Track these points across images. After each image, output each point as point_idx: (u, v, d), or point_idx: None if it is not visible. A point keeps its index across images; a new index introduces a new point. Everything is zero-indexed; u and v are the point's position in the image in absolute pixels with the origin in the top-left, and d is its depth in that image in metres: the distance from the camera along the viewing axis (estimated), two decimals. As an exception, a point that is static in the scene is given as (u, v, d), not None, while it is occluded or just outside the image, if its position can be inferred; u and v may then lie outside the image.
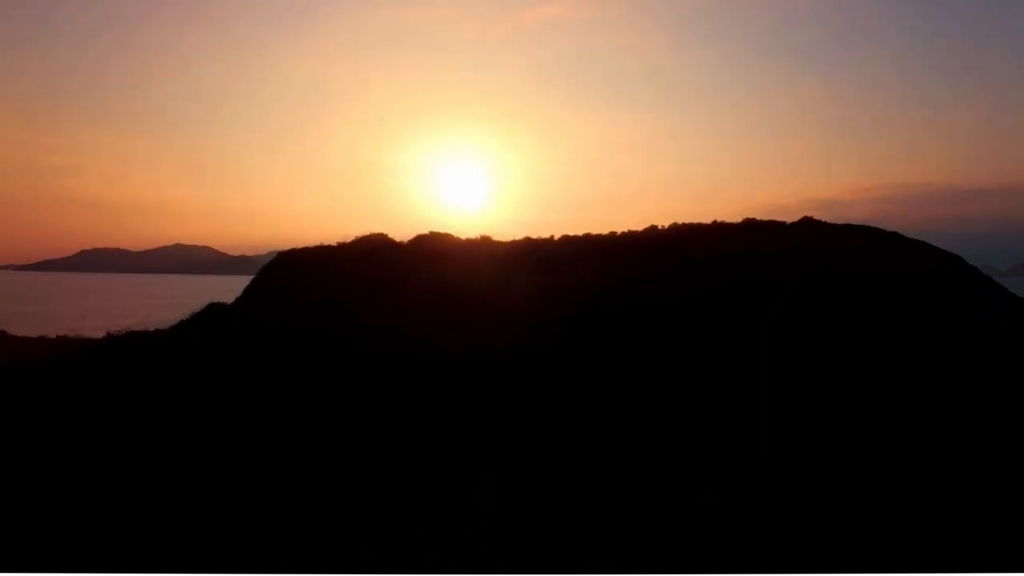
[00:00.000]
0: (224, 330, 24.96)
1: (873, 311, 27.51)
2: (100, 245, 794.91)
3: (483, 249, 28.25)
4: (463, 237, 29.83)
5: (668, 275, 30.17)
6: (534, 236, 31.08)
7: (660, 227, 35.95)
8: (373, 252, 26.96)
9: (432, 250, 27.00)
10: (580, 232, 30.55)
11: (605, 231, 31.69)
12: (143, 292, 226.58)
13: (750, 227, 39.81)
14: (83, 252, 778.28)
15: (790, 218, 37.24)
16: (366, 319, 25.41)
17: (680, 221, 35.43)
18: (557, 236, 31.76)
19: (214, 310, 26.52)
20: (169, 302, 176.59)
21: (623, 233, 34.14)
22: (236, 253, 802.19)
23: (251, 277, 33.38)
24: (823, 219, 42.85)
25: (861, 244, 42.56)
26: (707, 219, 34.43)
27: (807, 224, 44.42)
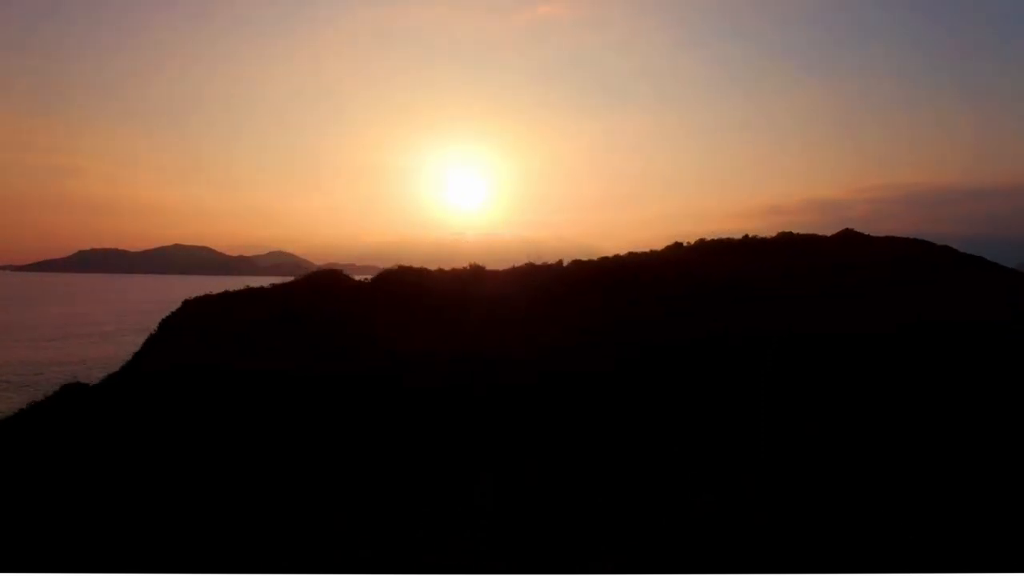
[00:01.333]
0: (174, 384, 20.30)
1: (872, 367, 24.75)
2: (99, 246, 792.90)
3: (471, 285, 22.27)
4: (448, 268, 24.10)
5: (689, 309, 25.37)
6: (537, 257, 25.67)
7: (685, 244, 30.99)
8: (323, 295, 21.19)
9: (399, 294, 20.94)
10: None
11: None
12: (135, 296, 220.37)
13: (785, 243, 34.87)
14: (81, 252, 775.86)
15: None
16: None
17: (707, 237, 30.41)
18: (566, 259, 26.34)
19: (71, 391, 21.13)
20: (158, 307, 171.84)
21: (643, 254, 29.04)
22: (235, 253, 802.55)
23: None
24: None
25: (905, 263, 37.85)
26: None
27: (847, 238, 39.64)
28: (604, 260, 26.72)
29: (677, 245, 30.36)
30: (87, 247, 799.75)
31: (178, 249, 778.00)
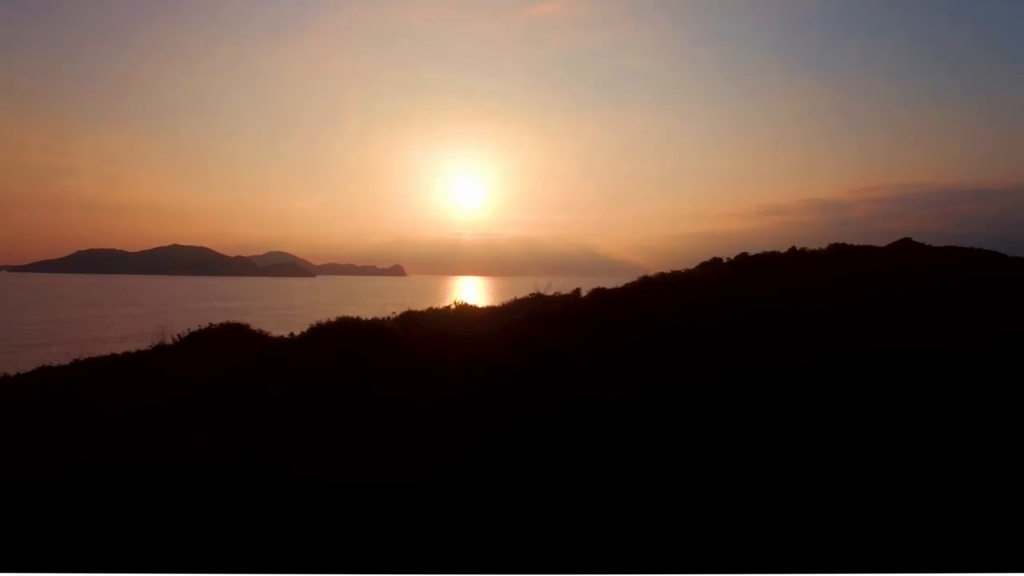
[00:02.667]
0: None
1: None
2: (96, 246, 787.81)
3: (455, 327, 15.78)
4: (422, 308, 17.93)
5: (729, 337, 20.70)
6: (544, 284, 19.80)
7: (725, 260, 25.59)
8: (221, 363, 14.44)
9: (330, 359, 13.97)
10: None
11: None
12: (129, 299, 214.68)
13: (837, 255, 29.44)
14: (79, 253, 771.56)
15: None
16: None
17: (751, 250, 25.01)
18: (583, 287, 20.56)
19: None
20: (148, 311, 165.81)
21: (675, 273, 23.55)
22: (234, 254, 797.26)
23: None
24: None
25: (974, 274, 32.58)
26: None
27: (905, 247, 34.15)
28: (629, 287, 21.12)
29: (716, 261, 24.95)
30: (85, 247, 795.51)
31: (176, 249, 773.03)
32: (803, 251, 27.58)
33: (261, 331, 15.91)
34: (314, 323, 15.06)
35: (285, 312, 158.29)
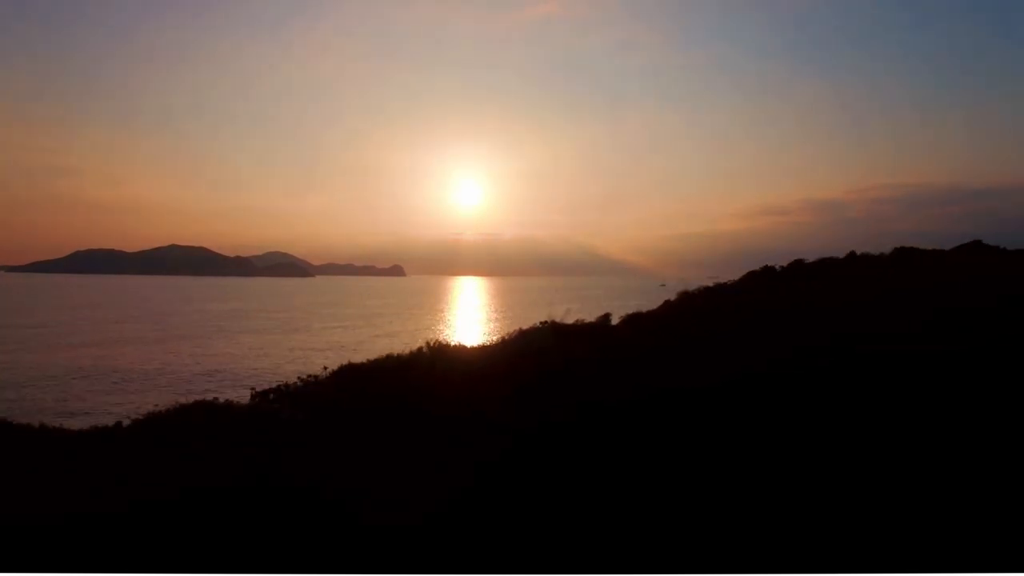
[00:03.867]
0: None
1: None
2: (95, 246, 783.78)
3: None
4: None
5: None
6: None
7: (777, 269, 21.03)
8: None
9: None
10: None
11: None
12: (125, 301, 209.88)
13: (901, 260, 24.88)
14: (77, 253, 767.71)
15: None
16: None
17: (804, 257, 20.42)
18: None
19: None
20: (145, 312, 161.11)
21: (715, 287, 18.86)
22: (233, 254, 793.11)
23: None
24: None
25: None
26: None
27: (975, 251, 29.53)
28: (667, 306, 16.39)
29: (768, 270, 20.27)
30: (83, 247, 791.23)
31: (175, 250, 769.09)
32: (864, 255, 23.19)
33: (44, 425, 10.75)
34: (144, 413, 10.06)
35: (283, 314, 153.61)
